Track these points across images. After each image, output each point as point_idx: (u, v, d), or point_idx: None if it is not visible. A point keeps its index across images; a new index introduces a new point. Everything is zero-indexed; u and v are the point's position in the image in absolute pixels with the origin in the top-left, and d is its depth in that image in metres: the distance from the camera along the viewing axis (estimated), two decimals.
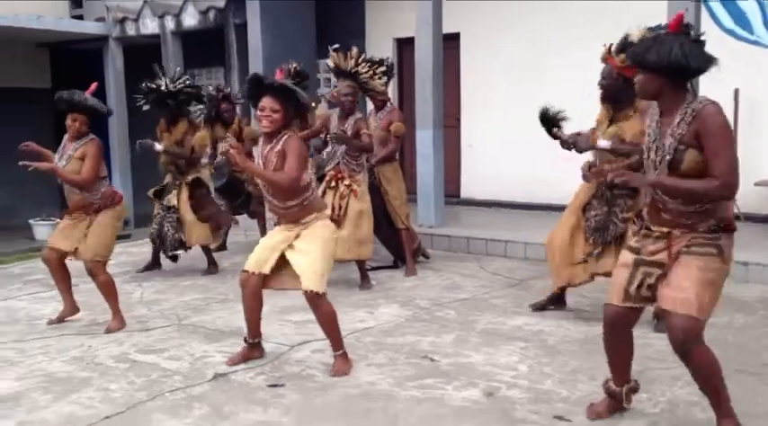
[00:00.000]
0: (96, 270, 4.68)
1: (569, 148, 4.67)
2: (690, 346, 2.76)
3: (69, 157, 4.67)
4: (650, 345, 4.17)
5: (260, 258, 3.85)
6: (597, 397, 3.33)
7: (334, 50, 5.88)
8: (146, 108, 6.30)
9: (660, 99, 2.85)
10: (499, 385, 3.63)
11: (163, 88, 6.13)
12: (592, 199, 4.66)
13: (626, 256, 3.01)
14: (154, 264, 6.60)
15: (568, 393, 3.51)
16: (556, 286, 4.86)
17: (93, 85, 4.84)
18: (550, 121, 4.70)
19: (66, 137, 4.79)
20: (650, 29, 4.36)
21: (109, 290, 4.74)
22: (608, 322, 3.05)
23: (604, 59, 4.53)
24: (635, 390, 3.22)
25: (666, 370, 3.76)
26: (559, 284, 4.84)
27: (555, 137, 4.70)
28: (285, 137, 3.75)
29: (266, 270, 3.82)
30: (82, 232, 4.67)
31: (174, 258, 6.46)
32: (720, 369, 2.85)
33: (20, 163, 4.56)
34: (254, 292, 3.91)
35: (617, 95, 4.49)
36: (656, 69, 2.76)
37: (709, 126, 2.72)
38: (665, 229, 2.88)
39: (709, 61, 2.75)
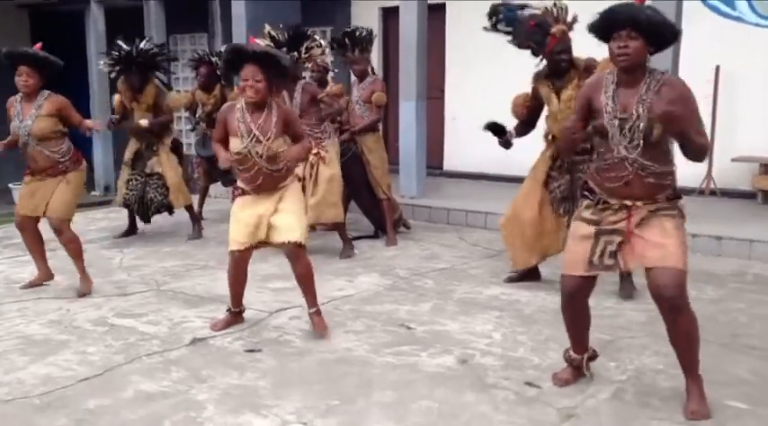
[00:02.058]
0: (62, 227, 4.66)
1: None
2: (681, 301, 2.84)
3: (35, 116, 4.54)
4: (621, 315, 4.26)
5: (244, 232, 3.86)
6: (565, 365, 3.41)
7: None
8: (113, 75, 6.23)
9: (635, 70, 2.86)
10: (473, 352, 3.70)
11: (131, 52, 6.06)
12: (551, 171, 4.71)
13: (583, 228, 3.03)
14: (131, 230, 6.60)
15: (540, 360, 3.59)
16: (530, 262, 4.88)
17: (39, 45, 4.71)
18: (497, 128, 4.77)
19: (17, 98, 4.65)
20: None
21: (74, 248, 4.73)
22: (569, 292, 3.11)
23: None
24: (593, 358, 3.31)
25: (634, 340, 3.85)
26: (535, 261, 4.88)
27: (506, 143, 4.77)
28: (276, 106, 3.77)
29: (261, 236, 3.88)
30: (48, 192, 4.61)
31: (149, 219, 6.45)
32: (698, 327, 2.94)
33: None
34: (244, 268, 3.99)
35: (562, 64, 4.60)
36: (663, 36, 2.80)
37: (683, 94, 2.84)
38: (627, 202, 2.94)
39: (678, 38, 2.84)
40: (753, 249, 5.59)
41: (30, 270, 5.25)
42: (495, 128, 4.76)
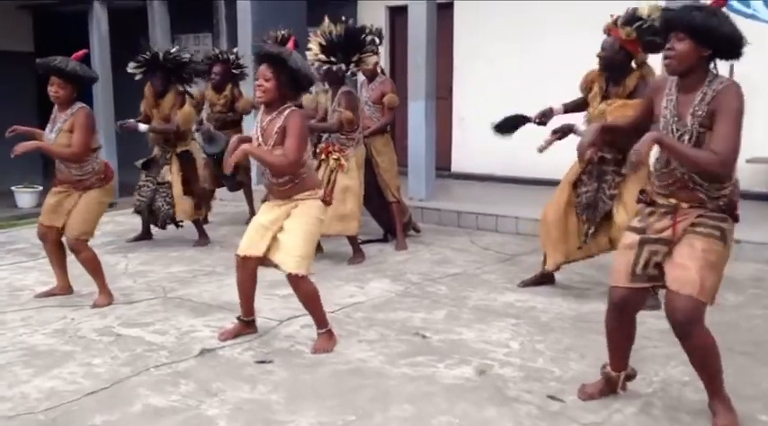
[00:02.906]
0: (79, 247, 4.52)
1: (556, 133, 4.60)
2: (690, 328, 2.70)
3: (59, 130, 4.43)
4: (642, 323, 4.09)
5: (253, 239, 3.73)
6: (589, 377, 3.29)
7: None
8: (138, 77, 6.10)
9: (688, 74, 2.72)
10: (491, 362, 3.58)
11: (160, 56, 5.96)
12: (582, 174, 4.59)
13: (630, 237, 2.92)
14: (145, 235, 6.49)
15: (561, 371, 3.46)
16: (553, 264, 4.75)
17: (82, 52, 4.61)
18: (510, 126, 4.65)
19: (55, 108, 4.54)
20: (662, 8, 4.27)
21: (93, 267, 4.60)
22: (614, 305, 2.96)
23: (607, 31, 4.42)
24: (631, 377, 3.17)
25: (659, 349, 3.73)
26: (557, 262, 4.74)
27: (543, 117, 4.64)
28: (288, 111, 3.62)
29: (260, 251, 3.71)
30: (69, 207, 4.48)
31: (164, 226, 6.37)
32: (719, 353, 2.80)
33: (12, 154, 4.28)
34: (250, 275, 3.84)
35: (615, 68, 4.40)
36: (714, 41, 2.64)
37: (724, 104, 2.66)
38: (672, 201, 2.81)
39: (743, 46, 2.67)
40: None
41: (34, 277, 5.16)
42: (511, 124, 4.63)
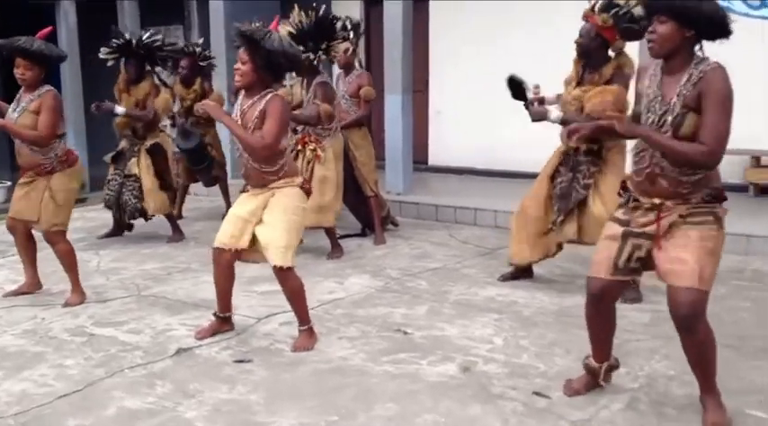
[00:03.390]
0: (55, 238, 4.38)
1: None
2: (695, 322, 2.65)
3: (23, 109, 4.25)
4: (623, 316, 4.09)
5: (233, 232, 3.61)
6: (574, 372, 3.24)
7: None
8: (110, 63, 5.95)
9: (673, 57, 2.67)
10: (475, 359, 3.52)
11: (133, 42, 5.82)
12: (559, 166, 4.56)
13: (613, 228, 2.87)
14: (116, 231, 6.33)
15: (546, 367, 3.42)
16: (532, 258, 4.71)
17: (47, 30, 4.40)
18: (517, 86, 4.57)
19: (21, 89, 4.35)
20: None
21: (69, 261, 4.45)
22: (593, 296, 2.92)
23: (585, 17, 4.37)
24: (614, 367, 3.13)
25: (642, 343, 3.71)
26: (536, 257, 4.71)
27: (525, 101, 4.56)
28: (270, 95, 3.49)
29: (243, 244, 3.60)
30: (38, 198, 4.31)
31: (130, 227, 6.24)
32: (716, 347, 2.77)
33: None
34: (227, 268, 3.72)
35: (592, 55, 4.36)
36: (695, 21, 2.58)
37: (712, 90, 2.59)
38: (656, 200, 2.75)
39: (727, 25, 2.62)
40: (750, 244, 5.49)
41: (3, 275, 5.01)
42: (515, 86, 4.55)
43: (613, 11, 4.20)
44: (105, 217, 6.56)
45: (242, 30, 3.45)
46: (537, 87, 4.50)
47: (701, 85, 2.61)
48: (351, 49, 6.00)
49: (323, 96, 5.33)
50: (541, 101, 4.64)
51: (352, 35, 5.95)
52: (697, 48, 2.68)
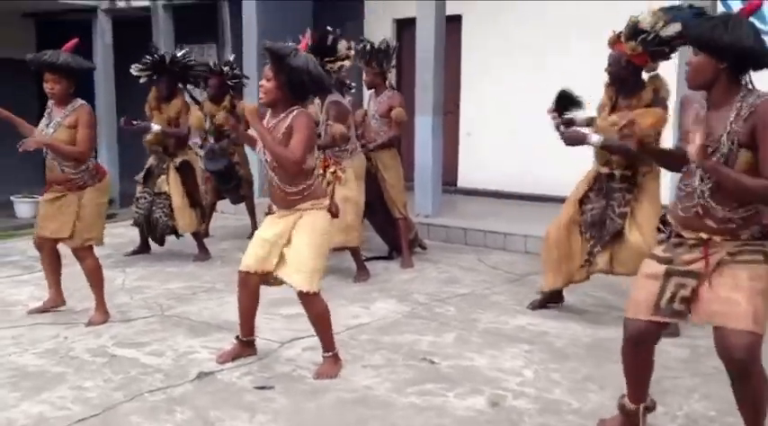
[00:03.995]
0: (84, 253, 4.35)
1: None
2: (750, 367, 2.48)
3: (57, 124, 4.22)
4: (661, 351, 3.89)
5: (259, 254, 3.53)
6: (610, 410, 3.09)
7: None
8: (143, 80, 5.96)
9: (712, 89, 2.55)
10: (505, 393, 3.39)
11: (167, 59, 5.85)
12: (589, 191, 4.43)
13: (653, 266, 2.70)
14: (143, 248, 6.32)
15: (579, 404, 3.27)
16: (555, 285, 4.59)
17: (72, 42, 4.38)
18: (567, 101, 4.47)
19: (50, 102, 4.34)
20: (663, 10, 4.11)
21: (95, 277, 4.41)
22: (632, 338, 2.75)
23: (612, 45, 4.27)
24: (651, 409, 2.96)
25: (679, 380, 3.54)
26: (560, 284, 4.58)
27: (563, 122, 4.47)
28: (295, 112, 3.42)
29: (267, 267, 3.52)
30: (72, 213, 4.26)
31: (162, 242, 6.21)
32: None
33: (20, 148, 4.10)
34: (252, 292, 3.65)
35: (625, 82, 4.25)
36: (723, 53, 2.46)
37: (766, 122, 2.45)
38: (703, 235, 2.60)
39: (763, 56, 2.49)
40: None
41: (28, 292, 4.98)
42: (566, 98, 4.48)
43: (641, 37, 4.09)
44: (132, 234, 6.55)
45: (267, 45, 3.40)
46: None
47: (754, 120, 2.48)
48: (344, 67, 5.89)
49: (335, 116, 5.28)
50: (569, 123, 4.53)
51: (352, 53, 5.86)
52: (744, 78, 2.55)
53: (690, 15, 4.05)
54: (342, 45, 5.44)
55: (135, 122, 5.88)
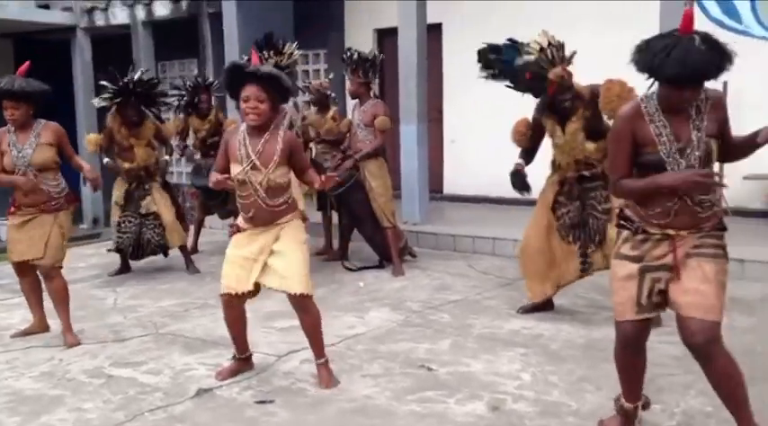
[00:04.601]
0: (54, 273, 4.34)
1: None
2: (712, 348, 2.62)
3: (34, 144, 4.21)
4: (653, 349, 3.93)
5: (240, 275, 3.52)
6: (608, 410, 3.13)
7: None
8: (112, 110, 5.90)
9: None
10: (504, 396, 3.42)
11: (131, 83, 5.74)
12: (558, 196, 4.50)
13: (626, 267, 2.75)
14: (125, 268, 6.29)
15: (578, 405, 3.31)
16: (545, 293, 4.66)
17: (25, 65, 4.34)
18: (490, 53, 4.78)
19: (6, 129, 4.28)
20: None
21: (62, 297, 4.38)
22: (624, 339, 2.82)
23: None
24: (646, 406, 3.03)
25: (675, 378, 3.59)
26: (549, 292, 4.65)
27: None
28: (281, 132, 3.46)
29: (249, 286, 3.52)
30: (45, 234, 4.25)
31: (142, 257, 6.19)
32: (743, 375, 2.68)
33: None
34: (239, 311, 3.64)
35: (563, 105, 4.41)
36: (713, 78, 2.54)
37: (726, 111, 2.71)
38: (671, 231, 2.69)
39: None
40: None
41: (20, 315, 4.94)
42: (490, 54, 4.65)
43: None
44: (115, 254, 6.50)
45: (264, 70, 3.39)
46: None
47: (717, 113, 2.66)
48: (295, 63, 6.11)
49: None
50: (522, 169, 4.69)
51: (352, 65, 5.95)
52: None
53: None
54: (289, 46, 5.94)
55: (108, 162, 5.90)
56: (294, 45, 6.08)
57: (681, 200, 2.64)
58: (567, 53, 4.41)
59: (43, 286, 4.50)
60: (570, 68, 4.39)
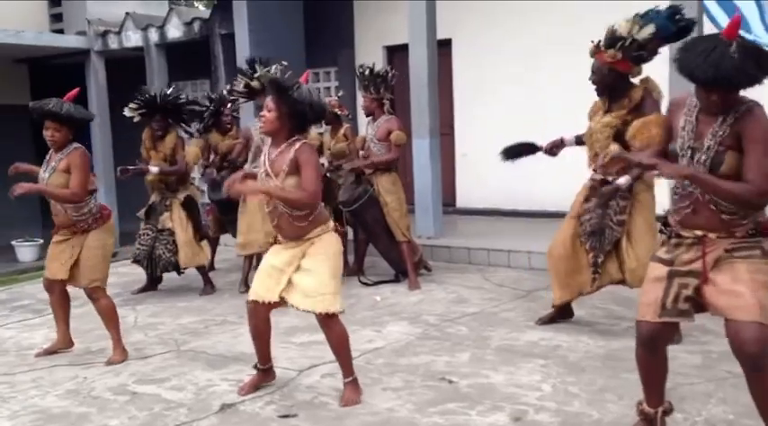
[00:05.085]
0: (96, 293, 4.41)
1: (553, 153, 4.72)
2: (764, 359, 2.56)
3: (53, 170, 4.30)
4: (674, 359, 3.95)
5: (268, 283, 3.57)
6: (629, 419, 3.14)
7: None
8: (136, 119, 6.05)
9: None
10: (525, 408, 3.44)
11: (157, 98, 5.92)
12: (585, 202, 4.51)
13: (657, 269, 2.82)
14: (150, 285, 6.35)
15: (599, 415, 3.33)
16: (563, 298, 4.67)
17: (74, 92, 4.47)
18: (516, 153, 4.68)
19: (51, 150, 4.42)
20: (640, 16, 4.25)
21: (109, 316, 4.46)
22: (643, 340, 2.84)
23: (593, 54, 4.40)
24: (669, 412, 3.03)
25: (696, 386, 3.60)
26: (568, 297, 4.66)
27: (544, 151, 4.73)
28: (298, 144, 3.49)
29: (275, 297, 3.55)
30: (72, 254, 4.35)
31: (160, 279, 6.28)
32: None
33: (11, 194, 4.18)
34: (264, 320, 3.66)
35: (612, 87, 4.37)
36: (742, 85, 2.56)
37: (751, 129, 2.60)
38: (699, 232, 2.71)
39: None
40: None
41: (43, 334, 5.01)
42: (517, 151, 4.66)
43: (619, 44, 4.22)
44: (138, 272, 6.58)
45: (273, 78, 3.51)
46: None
47: (740, 125, 2.61)
48: (383, 97, 6.08)
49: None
50: (560, 144, 4.67)
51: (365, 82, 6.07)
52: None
53: (664, 17, 4.23)
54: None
55: (131, 168, 5.94)
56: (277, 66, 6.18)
57: (693, 198, 2.67)
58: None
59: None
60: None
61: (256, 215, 5.86)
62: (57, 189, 4.27)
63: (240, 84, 6.17)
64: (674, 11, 4.28)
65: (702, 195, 2.68)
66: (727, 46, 2.51)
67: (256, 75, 6.02)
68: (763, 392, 2.65)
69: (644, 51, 4.25)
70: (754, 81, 2.54)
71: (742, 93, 2.67)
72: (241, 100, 6.43)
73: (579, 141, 4.73)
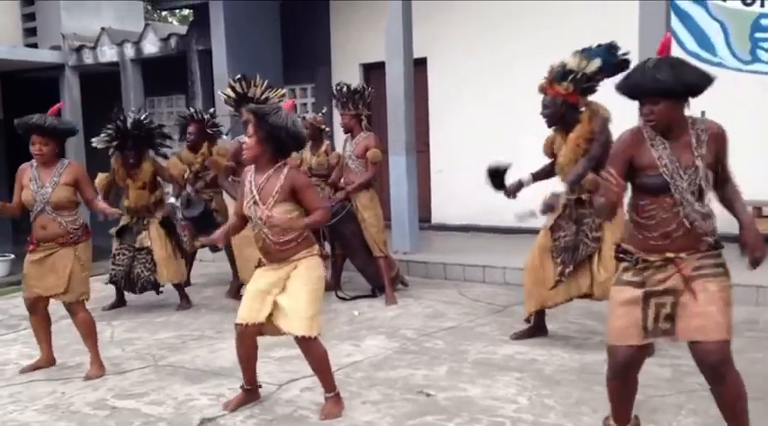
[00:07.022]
0: (77, 307, 4.41)
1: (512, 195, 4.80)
2: (724, 368, 2.70)
3: (55, 184, 4.30)
4: (644, 372, 4.01)
5: (253, 306, 3.59)
6: None
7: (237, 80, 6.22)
8: (111, 152, 5.99)
9: (672, 126, 2.77)
10: (502, 420, 3.51)
11: (129, 125, 5.84)
12: (559, 219, 4.62)
13: (627, 292, 2.83)
14: (120, 301, 6.33)
15: None
16: (528, 310, 4.77)
17: (56, 106, 4.51)
18: (500, 174, 4.76)
19: (30, 164, 4.39)
20: (582, 51, 4.49)
21: (88, 330, 4.45)
22: (621, 365, 2.86)
23: (544, 90, 4.58)
24: None
25: (667, 398, 3.70)
26: (532, 308, 4.75)
27: (505, 192, 4.80)
28: (286, 169, 3.56)
29: (261, 318, 3.57)
30: (67, 268, 4.31)
31: (142, 291, 6.23)
32: (747, 396, 2.79)
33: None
34: (251, 343, 3.68)
35: (564, 120, 4.54)
36: (687, 93, 2.70)
37: (725, 142, 2.81)
38: (670, 254, 2.79)
39: (711, 82, 2.74)
40: (760, 295, 5.53)
41: (17, 350, 4.97)
42: (496, 173, 4.76)
43: (571, 77, 4.43)
44: (111, 288, 6.54)
45: (251, 106, 3.60)
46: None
47: (715, 144, 2.77)
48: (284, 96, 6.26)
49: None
50: (519, 186, 4.78)
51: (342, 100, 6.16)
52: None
53: (604, 51, 4.48)
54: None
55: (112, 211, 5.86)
56: (265, 82, 6.25)
57: (681, 224, 2.75)
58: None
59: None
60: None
61: (244, 243, 5.71)
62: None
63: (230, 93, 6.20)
64: (611, 45, 4.53)
65: (690, 220, 2.74)
66: (677, 59, 2.74)
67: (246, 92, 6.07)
68: (726, 401, 2.77)
69: (593, 82, 4.47)
70: (662, 86, 2.66)
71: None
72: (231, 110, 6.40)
73: (537, 177, 4.85)
